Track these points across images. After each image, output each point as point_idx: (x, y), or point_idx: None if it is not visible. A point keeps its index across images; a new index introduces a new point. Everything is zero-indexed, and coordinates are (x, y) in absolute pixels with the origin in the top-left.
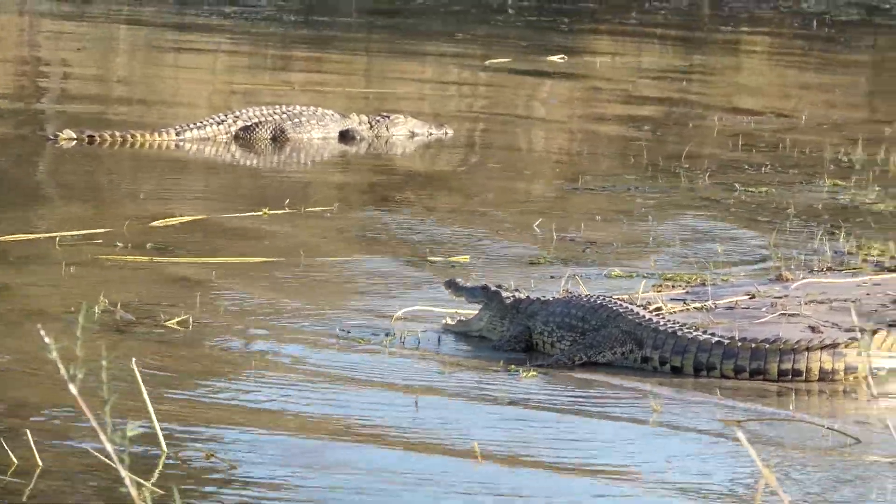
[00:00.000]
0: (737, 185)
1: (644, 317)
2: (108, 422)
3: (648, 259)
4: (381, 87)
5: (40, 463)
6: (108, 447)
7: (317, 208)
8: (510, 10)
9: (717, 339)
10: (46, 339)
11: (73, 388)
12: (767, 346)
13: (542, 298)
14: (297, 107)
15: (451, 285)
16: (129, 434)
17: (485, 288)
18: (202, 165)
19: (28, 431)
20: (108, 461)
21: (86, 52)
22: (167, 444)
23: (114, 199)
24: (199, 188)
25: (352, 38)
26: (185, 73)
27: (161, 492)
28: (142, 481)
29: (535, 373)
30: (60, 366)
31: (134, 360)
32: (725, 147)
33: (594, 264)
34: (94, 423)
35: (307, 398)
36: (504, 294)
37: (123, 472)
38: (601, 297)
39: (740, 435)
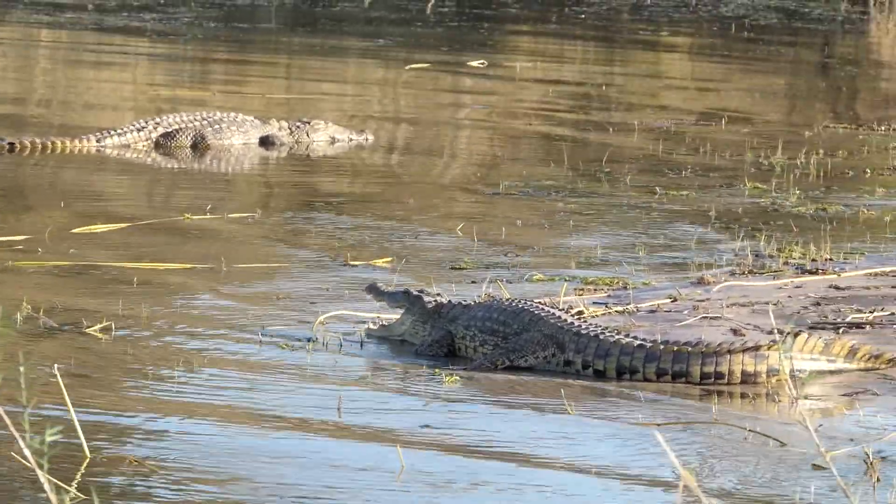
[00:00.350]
0: (658, 188)
1: (566, 321)
2: (27, 427)
3: (570, 263)
4: (302, 92)
5: None
6: (27, 451)
7: (238, 214)
8: (430, 16)
9: (639, 342)
10: None
11: None
12: (690, 349)
13: (464, 303)
14: (218, 113)
15: (373, 290)
16: (49, 439)
17: (406, 292)
18: (123, 172)
19: None
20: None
21: (5, 58)
22: (90, 449)
23: (34, 206)
24: (121, 195)
25: (273, 45)
26: (106, 79)
27: (83, 496)
28: (63, 485)
29: (457, 377)
30: None
31: (56, 365)
32: (646, 151)
33: (516, 268)
34: (11, 429)
35: (229, 403)
36: (426, 298)
37: (42, 476)
38: (523, 302)
39: (658, 436)
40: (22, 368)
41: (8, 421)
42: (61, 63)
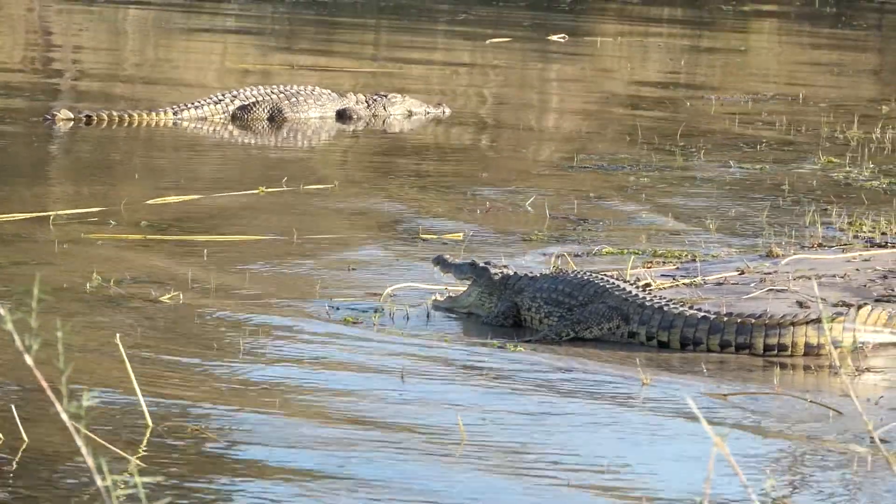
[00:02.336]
0: (732, 162)
1: (631, 292)
2: (65, 392)
3: (640, 236)
4: (383, 66)
5: (26, 439)
6: (64, 417)
7: (314, 186)
8: None
9: (703, 314)
10: (1, 311)
11: (28, 359)
12: (753, 320)
13: (530, 274)
14: (295, 86)
15: (440, 262)
16: (86, 404)
17: (473, 264)
18: (199, 145)
19: (13, 407)
20: (97, 438)
21: (92, 32)
22: (152, 418)
23: (109, 178)
24: (196, 167)
25: (356, 17)
26: (190, 53)
27: (144, 465)
28: (125, 454)
29: (522, 348)
30: (16, 336)
31: (118, 335)
32: (722, 125)
33: (586, 241)
34: (49, 394)
35: (293, 374)
36: (492, 270)
37: (79, 440)
38: (589, 273)
39: (693, 405)
40: (60, 334)
41: (45, 385)
42: (147, 38)
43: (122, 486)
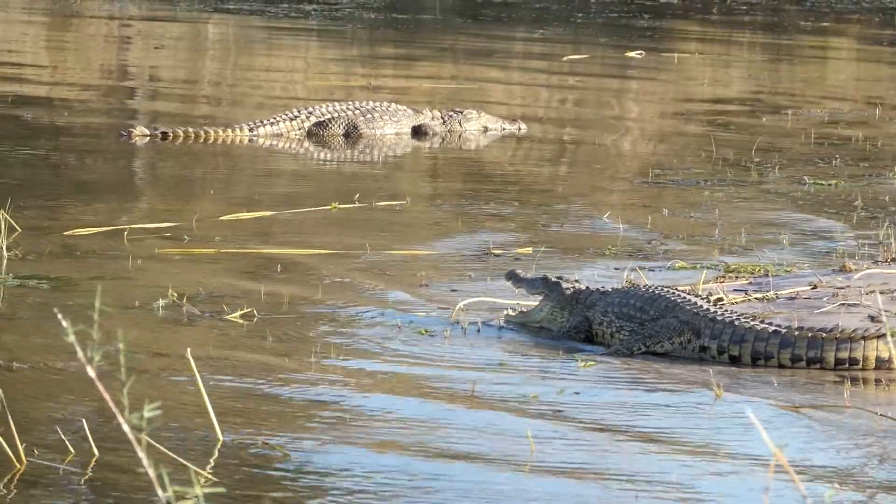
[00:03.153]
0: (806, 178)
1: (702, 307)
2: (126, 403)
3: (713, 251)
4: (461, 82)
5: (95, 452)
6: (126, 428)
7: (387, 203)
8: (592, 5)
9: (774, 328)
10: (63, 323)
11: (90, 371)
12: (824, 335)
13: (602, 289)
14: (370, 102)
15: (512, 277)
16: (147, 415)
17: (545, 279)
18: (274, 161)
19: (84, 421)
20: (165, 450)
21: (169, 50)
22: (223, 432)
23: (184, 194)
24: (270, 184)
25: (433, 34)
26: (269, 68)
27: (214, 479)
28: (195, 468)
29: (593, 362)
30: (78, 349)
31: (189, 350)
32: (797, 141)
33: (659, 256)
34: (112, 407)
35: (367, 391)
36: (564, 285)
37: (140, 452)
38: (659, 288)
39: (751, 415)
40: (121, 345)
41: (108, 397)
42: (225, 53)
43: (186, 497)
